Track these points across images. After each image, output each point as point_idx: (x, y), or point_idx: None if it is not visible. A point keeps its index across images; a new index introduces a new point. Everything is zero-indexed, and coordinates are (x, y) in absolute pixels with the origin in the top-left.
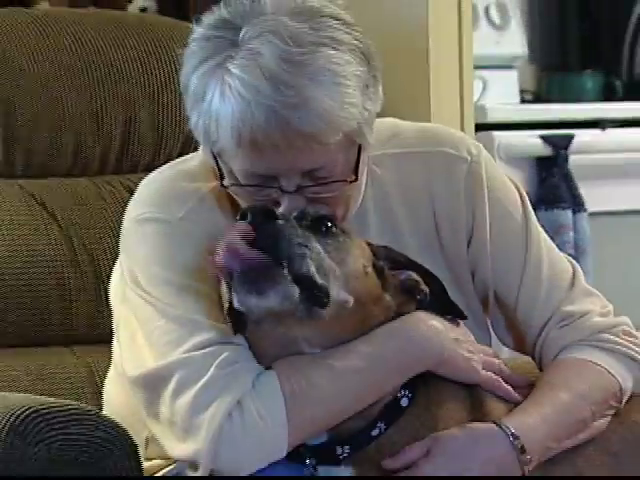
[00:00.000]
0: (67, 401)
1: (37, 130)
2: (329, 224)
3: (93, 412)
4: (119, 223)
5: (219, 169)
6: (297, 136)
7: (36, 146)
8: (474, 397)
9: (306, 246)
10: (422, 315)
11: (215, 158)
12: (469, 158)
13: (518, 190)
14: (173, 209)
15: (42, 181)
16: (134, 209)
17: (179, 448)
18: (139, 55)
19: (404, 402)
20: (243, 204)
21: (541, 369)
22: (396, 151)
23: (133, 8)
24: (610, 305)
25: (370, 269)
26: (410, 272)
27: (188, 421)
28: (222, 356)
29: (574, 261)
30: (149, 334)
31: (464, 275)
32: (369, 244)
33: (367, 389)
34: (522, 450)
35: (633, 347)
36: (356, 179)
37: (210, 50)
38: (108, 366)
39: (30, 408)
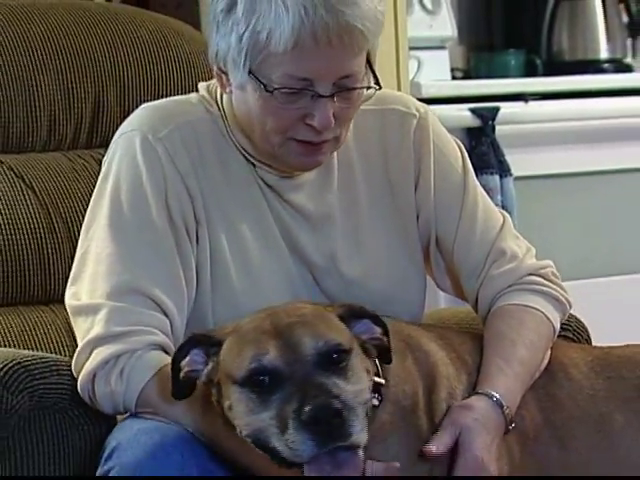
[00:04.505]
0: (47, 354)
1: (14, 110)
2: (335, 356)
3: (71, 363)
4: (91, 192)
5: (258, 80)
6: (347, 32)
7: (13, 124)
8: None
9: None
10: None
11: (251, 73)
12: (418, 115)
13: (459, 147)
14: (156, 127)
15: (20, 156)
16: (122, 127)
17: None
18: (105, 40)
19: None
20: (271, 123)
21: (476, 309)
22: None
23: None
24: (533, 248)
25: (371, 375)
26: (371, 326)
27: (80, 357)
28: (138, 312)
29: (505, 212)
30: (95, 255)
31: (411, 220)
32: (332, 305)
33: None
34: (508, 415)
35: (559, 289)
36: (380, 87)
37: None
38: None
39: (13, 361)
